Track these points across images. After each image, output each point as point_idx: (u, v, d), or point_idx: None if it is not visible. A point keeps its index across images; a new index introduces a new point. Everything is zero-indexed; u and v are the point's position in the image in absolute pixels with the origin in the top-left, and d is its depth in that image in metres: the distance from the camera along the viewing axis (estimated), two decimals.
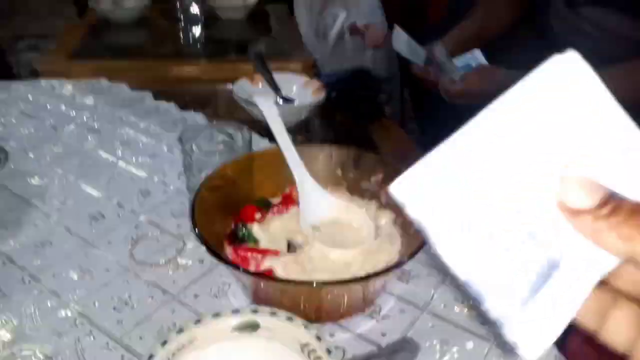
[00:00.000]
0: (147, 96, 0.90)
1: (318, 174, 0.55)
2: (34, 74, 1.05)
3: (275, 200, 0.55)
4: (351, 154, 0.56)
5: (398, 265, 0.42)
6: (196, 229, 0.44)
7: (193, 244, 0.54)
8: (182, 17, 1.32)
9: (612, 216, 0.19)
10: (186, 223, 0.57)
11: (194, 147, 0.58)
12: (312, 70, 1.08)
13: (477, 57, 0.99)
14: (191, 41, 1.31)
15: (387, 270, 0.41)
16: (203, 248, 0.53)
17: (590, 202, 0.20)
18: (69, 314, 0.45)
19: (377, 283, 0.44)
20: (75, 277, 0.49)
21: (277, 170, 0.55)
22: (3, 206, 0.59)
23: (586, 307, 0.21)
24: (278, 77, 0.89)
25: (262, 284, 0.44)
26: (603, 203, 0.19)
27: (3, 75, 1.71)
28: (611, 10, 0.87)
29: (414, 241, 0.47)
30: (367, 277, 0.41)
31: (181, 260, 0.52)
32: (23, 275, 0.49)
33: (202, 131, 0.61)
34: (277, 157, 0.55)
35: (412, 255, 0.42)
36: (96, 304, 0.46)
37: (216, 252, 0.43)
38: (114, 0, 1.36)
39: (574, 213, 0.20)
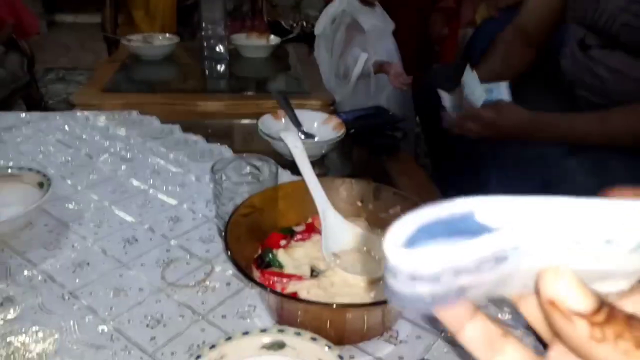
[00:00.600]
0: (176, 129, 0.95)
1: (339, 204, 0.58)
2: (70, 106, 1.11)
3: (299, 228, 0.59)
4: (371, 187, 0.60)
5: None
6: (228, 252, 0.47)
7: (221, 268, 0.57)
8: (208, 55, 1.40)
9: (608, 325, 0.16)
10: (214, 248, 0.61)
11: (224, 177, 0.62)
12: (330, 107, 1.13)
13: (501, 91, 0.97)
14: (216, 78, 1.37)
15: None
16: (230, 272, 0.57)
17: (586, 306, 0.16)
18: (106, 329, 0.48)
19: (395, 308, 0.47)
20: (111, 295, 0.53)
21: (301, 201, 0.59)
22: (44, 228, 0.63)
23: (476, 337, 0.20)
24: (299, 113, 0.94)
25: (287, 305, 0.47)
26: (597, 309, 0.16)
27: (34, 104, 1.81)
28: (622, 53, 0.91)
29: None
30: (386, 302, 0.44)
31: (209, 283, 0.55)
32: (63, 293, 0.53)
33: (231, 163, 0.65)
34: (301, 188, 0.58)
35: None
36: (130, 321, 0.49)
37: (246, 273, 0.46)
38: (144, 38, 1.44)
39: (568, 316, 0.16)
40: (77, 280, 0.54)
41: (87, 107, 1.07)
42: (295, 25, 2.47)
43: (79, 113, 1.02)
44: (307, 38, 1.84)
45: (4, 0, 1.55)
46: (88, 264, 0.57)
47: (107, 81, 1.23)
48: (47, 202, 0.64)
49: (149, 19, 2.04)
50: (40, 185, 0.67)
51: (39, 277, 0.55)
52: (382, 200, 0.59)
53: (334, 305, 0.44)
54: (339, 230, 0.56)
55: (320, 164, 0.87)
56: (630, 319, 0.16)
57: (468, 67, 0.99)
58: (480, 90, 0.97)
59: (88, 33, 3.63)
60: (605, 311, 0.16)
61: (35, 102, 1.77)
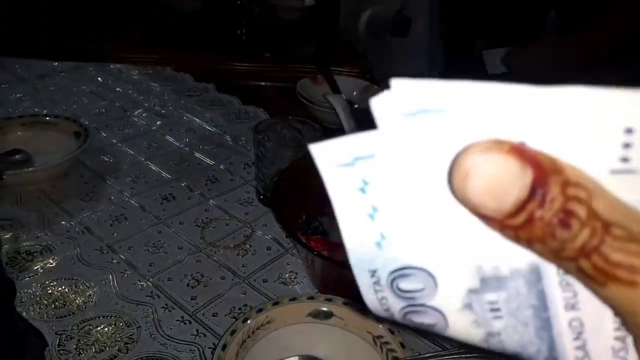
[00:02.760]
0: (210, 88, 0.93)
1: None
2: (101, 59, 1.09)
3: None
4: None
5: None
6: (276, 215, 0.46)
7: (260, 232, 0.56)
8: (242, 14, 1.36)
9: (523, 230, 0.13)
10: (253, 211, 0.59)
11: (267, 140, 0.60)
12: (366, 76, 1.09)
13: None
14: (250, 38, 1.34)
15: None
16: (270, 236, 0.55)
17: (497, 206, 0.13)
18: (145, 285, 0.47)
19: None
20: (149, 252, 0.52)
21: None
22: (79, 179, 0.62)
23: None
24: (338, 80, 0.91)
25: (334, 273, 0.45)
26: (514, 212, 0.13)
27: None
28: None
29: None
30: None
31: (249, 246, 0.54)
32: (101, 246, 0.52)
33: (273, 125, 0.63)
34: None
35: None
36: (171, 279, 0.48)
37: (296, 237, 0.44)
38: None
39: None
40: (115, 234, 0.53)
41: (119, 59, 1.05)
42: None
43: (112, 65, 1.00)
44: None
45: None
46: (126, 218, 0.56)
47: (139, 35, 1.21)
48: (83, 152, 0.63)
49: None
50: (77, 134, 0.65)
51: (77, 229, 0.54)
52: None
53: None
54: None
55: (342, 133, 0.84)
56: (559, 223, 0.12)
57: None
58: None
59: None
60: (525, 215, 0.12)
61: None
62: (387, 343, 0.39)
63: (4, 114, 0.74)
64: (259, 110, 0.87)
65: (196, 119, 0.81)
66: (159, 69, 1.00)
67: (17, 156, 0.61)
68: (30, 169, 0.58)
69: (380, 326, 0.40)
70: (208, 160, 0.69)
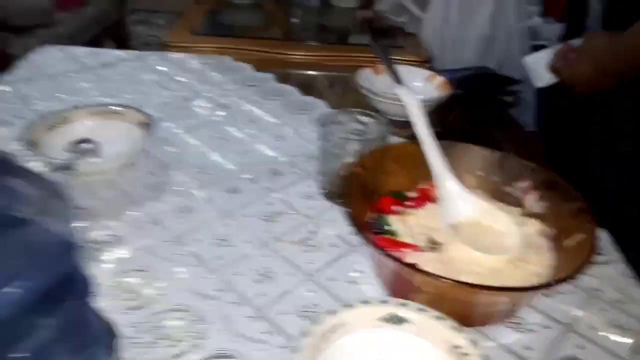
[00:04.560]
0: (270, 78, 0.92)
1: (457, 173, 0.53)
2: (162, 47, 1.10)
3: (411, 194, 0.54)
4: (496, 156, 0.54)
5: (561, 281, 0.39)
6: (346, 212, 0.44)
7: (325, 227, 0.54)
8: (297, 2, 1.34)
9: None
10: (317, 206, 0.58)
11: (331, 133, 0.58)
12: (427, 65, 1.06)
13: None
14: (305, 26, 1.32)
15: (548, 285, 0.39)
16: (335, 232, 0.54)
17: None
18: (214, 279, 0.47)
19: (530, 296, 0.42)
20: (216, 244, 0.51)
21: (413, 164, 0.54)
22: (145, 170, 0.63)
23: None
24: (399, 69, 0.87)
25: (407, 276, 0.43)
26: None
27: (123, 44, 1.83)
28: None
29: (566, 256, 0.44)
30: (529, 289, 0.39)
31: (315, 242, 0.52)
32: (170, 237, 0.52)
33: (338, 118, 0.61)
34: (414, 150, 0.54)
35: (573, 274, 0.39)
36: (239, 274, 0.48)
37: (366, 237, 0.42)
38: None
39: None
40: (182, 226, 0.53)
41: (179, 48, 1.06)
42: None
43: (173, 55, 1.01)
44: None
45: None
46: (192, 210, 0.56)
47: (198, 24, 1.21)
48: (149, 142, 0.63)
49: None
50: (142, 124, 0.66)
51: (145, 219, 0.54)
52: (508, 172, 0.53)
53: (471, 285, 0.39)
54: (459, 200, 0.51)
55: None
56: None
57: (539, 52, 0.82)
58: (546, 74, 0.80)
59: None
60: None
61: (124, 43, 1.80)
62: (466, 354, 0.37)
63: (71, 102, 0.76)
64: (319, 101, 0.85)
65: (256, 109, 0.80)
66: (219, 58, 1.00)
67: (85, 145, 0.61)
68: (100, 160, 0.58)
69: (460, 335, 0.38)
70: (270, 152, 0.68)
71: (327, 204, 0.58)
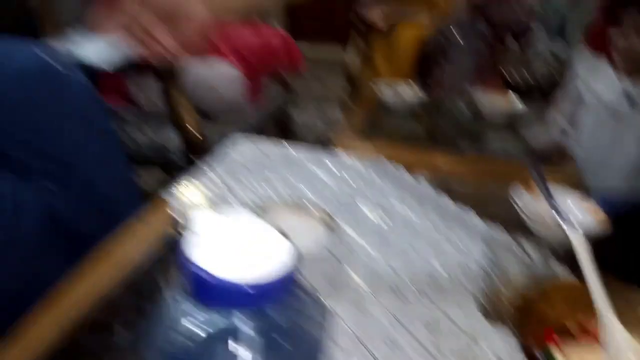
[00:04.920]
0: (425, 184, 1.00)
1: (621, 314, 0.54)
2: (326, 143, 1.25)
3: (577, 331, 0.57)
4: None
5: None
6: (522, 346, 0.48)
7: (486, 348, 0.58)
8: (448, 109, 1.44)
9: None
10: (476, 323, 0.62)
11: (494, 262, 0.63)
12: (581, 188, 1.06)
13: None
14: (456, 134, 1.40)
15: None
16: (495, 354, 0.57)
17: None
18: None
19: None
20: (388, 349, 0.58)
21: (580, 300, 0.56)
22: (326, 264, 0.72)
23: None
24: (554, 191, 0.90)
25: None
26: None
27: (288, 134, 2.08)
28: None
29: None
30: None
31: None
32: (348, 332, 0.59)
33: (499, 238, 0.66)
34: (582, 286, 0.56)
35: None
36: None
37: None
38: (390, 85, 1.55)
39: None
40: (357, 326, 0.61)
41: (343, 148, 1.19)
42: (525, 78, 2.38)
43: (338, 153, 1.14)
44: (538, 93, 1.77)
45: (281, 36, 1.82)
46: (366, 311, 0.63)
47: (358, 125, 1.35)
48: (329, 239, 0.73)
49: (388, 62, 2.18)
50: (323, 221, 0.76)
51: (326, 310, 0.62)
52: None
53: None
54: (625, 350, 0.52)
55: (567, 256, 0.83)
56: None
57: None
58: None
59: (327, 63, 4.03)
60: None
61: (289, 132, 2.03)
62: None
63: (259, 191, 0.90)
64: (471, 213, 0.90)
65: (414, 215, 0.88)
66: (379, 160, 1.11)
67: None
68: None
69: None
70: (429, 262, 0.74)
71: (486, 323, 0.62)
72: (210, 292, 0.32)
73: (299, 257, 0.34)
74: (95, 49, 0.68)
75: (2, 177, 1.07)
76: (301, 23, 4.54)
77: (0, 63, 1.05)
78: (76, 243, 1.16)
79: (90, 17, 0.68)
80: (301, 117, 3.08)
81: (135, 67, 1.43)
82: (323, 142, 1.26)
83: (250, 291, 0.32)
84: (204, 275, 0.32)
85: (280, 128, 2.02)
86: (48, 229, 1.09)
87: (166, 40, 0.68)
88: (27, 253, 1.04)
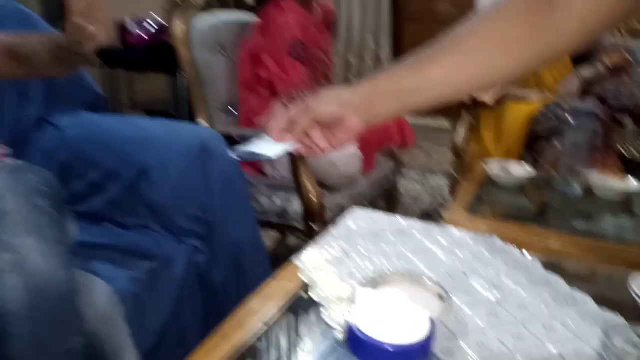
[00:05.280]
0: (536, 263, 1.02)
1: None
2: (431, 216, 1.32)
3: None
4: None
5: None
6: None
7: None
8: (560, 189, 1.44)
9: None
10: None
11: (611, 349, 0.65)
12: None
13: None
14: (569, 215, 1.39)
15: None
16: None
17: None
18: None
19: None
20: None
21: None
22: (440, 335, 0.78)
23: None
24: None
25: None
26: None
27: (395, 206, 2.18)
28: None
29: None
30: None
31: None
32: None
33: (618, 328, 0.67)
34: None
35: None
36: None
37: None
38: (503, 167, 1.59)
39: None
40: None
41: (453, 222, 1.25)
42: None
43: (448, 227, 1.19)
44: None
45: (394, 120, 1.95)
46: None
47: (467, 200, 1.40)
48: (444, 312, 0.79)
49: (496, 138, 2.22)
50: (438, 293, 0.82)
51: None
52: None
53: None
54: None
55: None
56: None
57: None
58: None
59: (432, 134, 4.12)
60: None
61: (396, 203, 2.13)
62: None
63: (375, 263, 0.98)
64: (587, 296, 0.90)
65: (525, 294, 0.90)
66: (489, 237, 1.15)
67: None
68: None
69: None
70: (542, 342, 0.77)
71: None
72: (363, 348, 0.41)
73: (435, 327, 0.42)
74: (263, 144, 0.83)
75: (162, 235, 1.27)
76: None
77: (169, 141, 1.29)
78: (210, 291, 1.33)
79: (264, 120, 0.84)
80: (407, 188, 3.17)
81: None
82: (429, 214, 1.33)
83: (392, 350, 0.40)
84: (360, 335, 0.41)
85: (388, 199, 2.12)
86: (190, 278, 1.26)
87: (321, 143, 0.82)
88: (173, 297, 1.21)
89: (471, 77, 0.78)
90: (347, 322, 0.42)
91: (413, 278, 0.87)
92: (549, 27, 0.73)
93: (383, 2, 4.84)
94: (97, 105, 1.60)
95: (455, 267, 1.00)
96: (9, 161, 0.96)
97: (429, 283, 0.85)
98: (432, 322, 0.42)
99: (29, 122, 1.47)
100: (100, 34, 0.94)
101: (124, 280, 1.09)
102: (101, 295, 0.96)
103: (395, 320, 0.42)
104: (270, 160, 1.58)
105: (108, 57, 2.69)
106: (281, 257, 1.36)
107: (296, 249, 1.03)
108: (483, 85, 0.85)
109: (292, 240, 2.25)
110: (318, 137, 0.81)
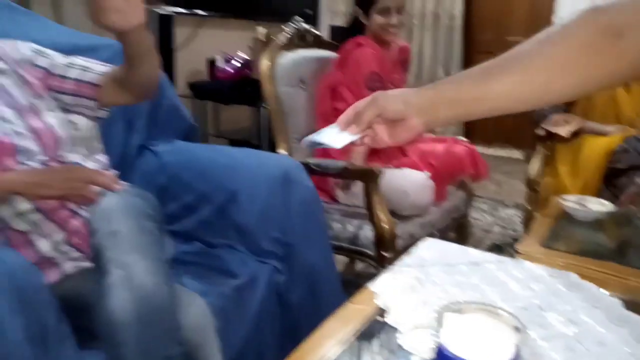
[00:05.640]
0: (616, 302, 0.99)
1: None
2: (502, 248, 1.31)
3: None
4: None
5: None
6: None
7: None
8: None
9: None
10: None
11: None
12: None
13: None
14: None
15: None
16: None
17: None
18: None
19: None
20: None
21: None
22: None
23: None
24: None
25: None
26: None
27: (465, 236, 2.16)
28: None
29: None
30: None
31: None
32: None
33: None
34: None
35: None
36: None
37: None
38: (580, 201, 1.55)
39: None
40: None
41: (528, 257, 1.24)
42: None
43: (523, 261, 1.19)
44: None
45: (466, 151, 1.96)
46: None
47: (543, 235, 1.38)
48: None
49: (572, 172, 2.15)
50: (513, 326, 0.83)
51: None
52: None
53: None
54: None
55: None
56: None
57: None
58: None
59: (507, 167, 4.02)
60: None
61: (466, 235, 2.12)
62: None
63: (453, 293, 1.00)
64: None
65: (604, 332, 0.89)
66: (565, 273, 1.13)
67: None
68: None
69: None
70: None
71: None
72: None
73: (519, 351, 0.45)
74: (330, 134, 0.89)
75: (246, 255, 1.36)
76: (478, 125, 4.65)
77: (256, 169, 1.39)
78: (287, 310, 1.39)
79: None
80: (477, 218, 3.12)
81: (343, 172, 1.70)
82: (499, 246, 1.32)
83: None
84: (449, 355, 0.45)
85: (458, 229, 2.11)
86: (270, 297, 1.34)
87: (384, 136, 0.87)
88: (254, 314, 1.29)
89: (530, 95, 0.81)
90: (436, 343, 0.46)
91: (488, 309, 0.89)
92: (613, 55, 0.74)
93: (455, 35, 4.86)
94: (190, 134, 1.75)
95: (531, 301, 1.00)
96: (125, 186, 1.08)
97: (504, 314, 0.86)
98: (517, 346, 0.45)
99: (133, 149, 1.63)
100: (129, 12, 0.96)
101: (212, 295, 1.18)
102: (196, 308, 1.05)
103: (481, 342, 0.45)
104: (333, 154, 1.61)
105: (198, 90, 2.91)
106: (349, 281, 1.41)
107: (363, 274, 1.07)
108: (541, 103, 0.87)
109: (358, 265, 2.28)
110: (381, 130, 0.86)
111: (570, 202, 1.54)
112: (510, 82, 0.79)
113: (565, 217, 1.50)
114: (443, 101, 0.84)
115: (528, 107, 0.82)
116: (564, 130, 2.14)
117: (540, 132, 2.22)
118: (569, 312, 0.95)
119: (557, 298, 1.01)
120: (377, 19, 1.95)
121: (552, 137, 2.22)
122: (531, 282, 1.08)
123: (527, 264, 1.17)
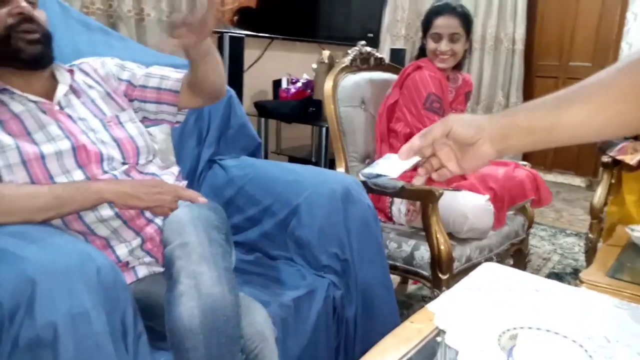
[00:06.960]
0: None
1: None
2: (562, 279, 1.25)
3: None
4: None
5: None
6: None
7: None
8: None
9: None
10: None
11: None
12: None
13: None
14: None
15: None
16: None
17: None
18: None
19: None
20: None
21: None
22: None
23: None
24: None
25: None
26: None
27: (522, 261, 2.09)
28: None
29: None
30: None
31: None
32: None
33: None
34: None
35: None
36: None
37: None
38: None
39: None
40: None
41: (592, 286, 1.18)
42: None
43: (588, 290, 1.14)
44: None
45: (528, 175, 1.90)
46: None
47: (608, 265, 1.32)
48: None
49: None
50: (577, 354, 0.80)
51: None
52: None
53: None
54: None
55: None
56: None
57: None
58: None
59: (567, 194, 3.85)
60: None
61: (524, 261, 2.04)
62: None
63: (515, 321, 0.97)
64: None
65: None
66: (633, 305, 1.07)
67: None
68: None
69: None
70: None
71: None
72: None
73: None
74: (385, 165, 0.87)
75: (305, 268, 1.39)
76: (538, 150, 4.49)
77: (317, 185, 1.41)
78: (342, 325, 1.40)
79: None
80: (536, 245, 2.99)
81: (401, 192, 1.69)
82: (558, 274, 1.26)
83: None
84: None
85: (516, 255, 2.03)
86: (327, 311, 1.35)
87: (451, 167, 0.83)
88: (312, 326, 1.30)
89: (604, 127, 0.76)
90: None
91: (551, 335, 0.86)
92: None
93: (516, 59, 4.75)
94: (255, 151, 1.81)
95: (595, 331, 0.95)
96: (204, 199, 1.13)
97: (569, 341, 0.83)
98: None
99: (203, 162, 1.71)
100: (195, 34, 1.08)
101: (273, 306, 1.21)
102: (259, 317, 1.08)
103: None
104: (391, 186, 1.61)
105: (263, 109, 3.00)
106: (401, 301, 1.39)
107: (414, 295, 1.05)
108: (615, 134, 0.82)
109: (410, 285, 2.25)
110: (449, 158, 0.82)
111: (638, 232, 1.46)
112: (582, 114, 0.76)
113: (632, 248, 1.42)
114: (515, 129, 0.80)
115: (602, 138, 0.79)
116: (631, 159, 2.04)
117: (606, 160, 2.12)
118: (638, 346, 0.90)
119: (624, 330, 0.96)
120: (429, 43, 1.96)
121: (618, 164, 2.11)
122: (596, 312, 1.03)
123: (591, 293, 1.12)
